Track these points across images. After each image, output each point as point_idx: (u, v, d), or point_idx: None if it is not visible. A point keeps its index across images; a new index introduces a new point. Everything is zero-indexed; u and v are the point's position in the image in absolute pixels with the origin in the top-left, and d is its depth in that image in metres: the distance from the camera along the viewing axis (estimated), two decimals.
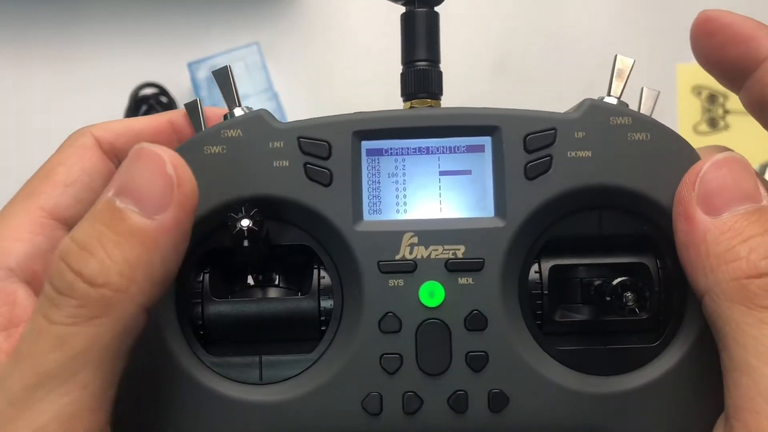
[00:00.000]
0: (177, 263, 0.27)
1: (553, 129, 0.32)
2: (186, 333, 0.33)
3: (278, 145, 0.32)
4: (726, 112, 0.91)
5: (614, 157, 0.32)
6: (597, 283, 0.33)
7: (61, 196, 0.33)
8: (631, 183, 0.32)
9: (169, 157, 0.27)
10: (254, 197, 0.32)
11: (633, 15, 0.96)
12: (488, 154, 0.33)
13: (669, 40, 0.95)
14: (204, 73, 0.83)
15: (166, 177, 0.26)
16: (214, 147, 0.32)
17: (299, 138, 0.32)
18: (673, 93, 0.92)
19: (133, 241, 0.25)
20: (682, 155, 0.32)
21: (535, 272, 0.33)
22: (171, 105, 0.82)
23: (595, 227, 0.33)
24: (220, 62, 0.83)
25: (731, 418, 0.28)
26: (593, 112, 0.32)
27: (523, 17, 0.94)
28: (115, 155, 0.35)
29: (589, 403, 0.31)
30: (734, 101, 0.92)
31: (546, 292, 0.33)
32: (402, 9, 0.36)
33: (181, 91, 0.84)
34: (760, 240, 0.27)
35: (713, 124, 0.91)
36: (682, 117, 0.91)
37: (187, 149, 0.32)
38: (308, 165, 0.32)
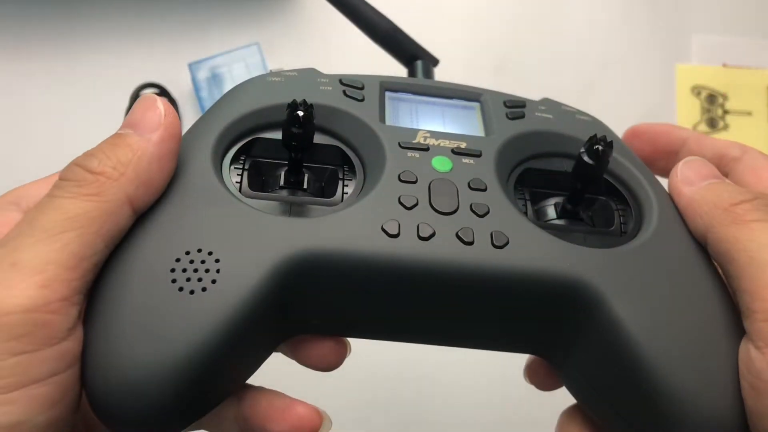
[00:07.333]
0: (162, 174, 0.34)
1: (523, 102, 0.43)
2: None
3: (324, 80, 0.42)
4: (725, 112, 0.92)
5: (569, 123, 0.42)
6: (569, 206, 0.40)
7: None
8: (582, 136, 0.40)
9: (160, 98, 0.36)
10: (301, 102, 0.38)
11: (633, 15, 0.96)
12: (478, 108, 0.43)
13: (669, 40, 0.95)
14: (204, 74, 0.83)
15: (156, 110, 0.35)
16: (275, 78, 0.41)
17: (340, 80, 0.42)
18: (673, 93, 0.92)
19: (126, 148, 0.34)
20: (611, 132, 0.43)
21: (518, 190, 0.40)
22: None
23: (566, 167, 0.41)
24: (220, 62, 0.83)
25: (749, 309, 0.32)
26: (549, 101, 0.44)
27: (523, 17, 0.94)
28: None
29: (581, 254, 0.36)
30: (734, 101, 0.92)
31: (529, 199, 0.40)
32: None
33: (181, 91, 0.84)
34: (731, 187, 0.37)
35: (712, 124, 0.91)
36: (681, 117, 0.91)
37: (256, 78, 0.41)
38: (345, 91, 0.41)
